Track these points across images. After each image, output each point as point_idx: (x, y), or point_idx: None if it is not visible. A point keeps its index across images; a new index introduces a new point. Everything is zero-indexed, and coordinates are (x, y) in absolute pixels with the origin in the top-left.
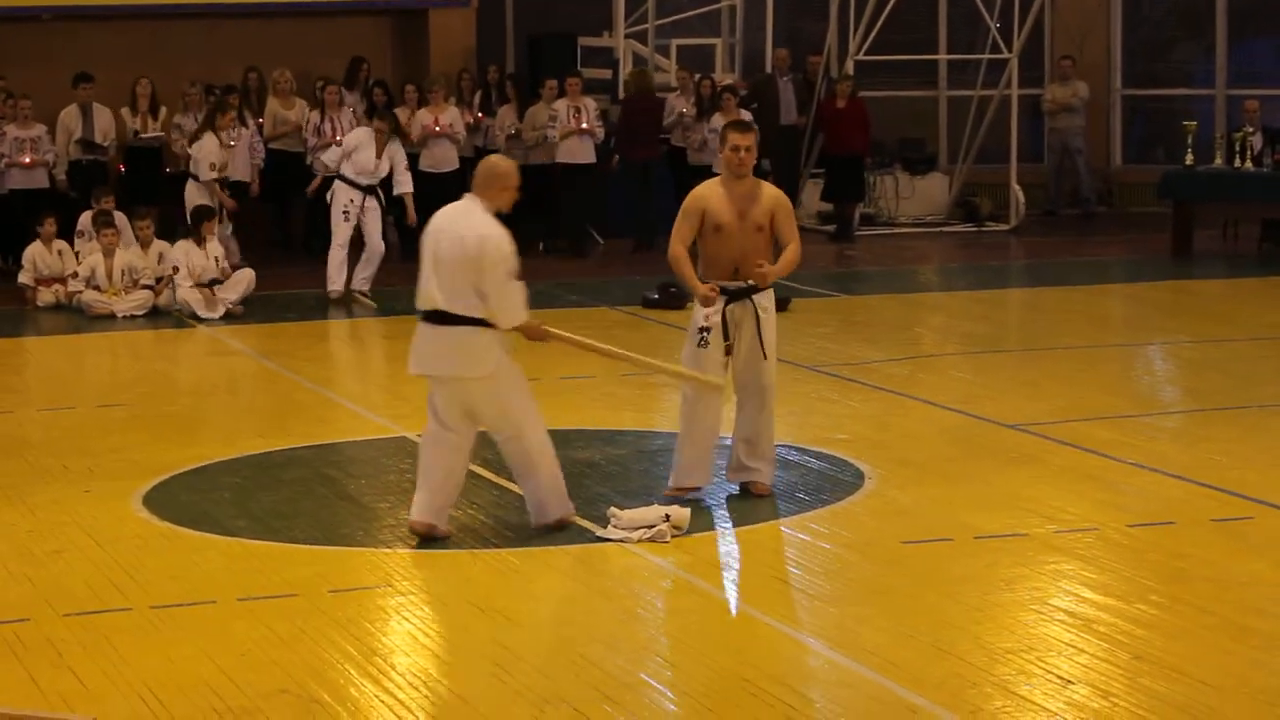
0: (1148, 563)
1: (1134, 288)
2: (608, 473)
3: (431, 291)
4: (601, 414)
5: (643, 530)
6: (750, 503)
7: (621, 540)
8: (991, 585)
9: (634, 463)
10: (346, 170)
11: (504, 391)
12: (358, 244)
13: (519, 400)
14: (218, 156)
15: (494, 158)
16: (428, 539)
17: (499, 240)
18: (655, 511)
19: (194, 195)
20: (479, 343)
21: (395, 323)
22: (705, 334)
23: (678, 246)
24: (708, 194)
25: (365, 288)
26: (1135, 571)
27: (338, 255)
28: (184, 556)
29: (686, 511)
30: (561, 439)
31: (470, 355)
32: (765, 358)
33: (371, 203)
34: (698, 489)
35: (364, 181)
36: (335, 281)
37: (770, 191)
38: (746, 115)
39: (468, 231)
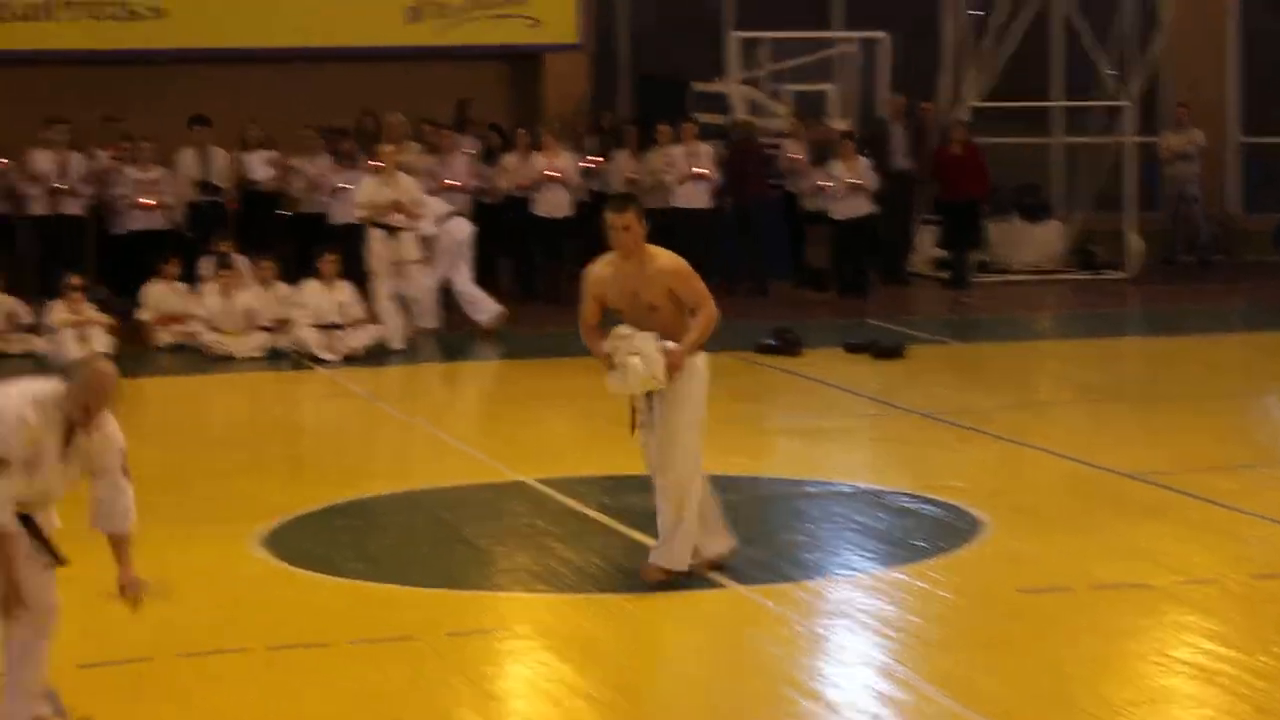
0: (1270, 614)
1: (1252, 336)
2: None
3: None
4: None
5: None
6: (868, 550)
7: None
8: (1111, 636)
9: (749, 508)
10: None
11: None
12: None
13: None
14: (380, 195)
15: None
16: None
17: None
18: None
19: (376, 240)
20: None
21: (509, 366)
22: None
23: (582, 324)
24: (603, 274)
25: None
26: (1257, 623)
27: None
28: (301, 598)
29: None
30: None
31: None
32: (669, 444)
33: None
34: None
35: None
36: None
37: (661, 264)
38: (864, 161)
39: None
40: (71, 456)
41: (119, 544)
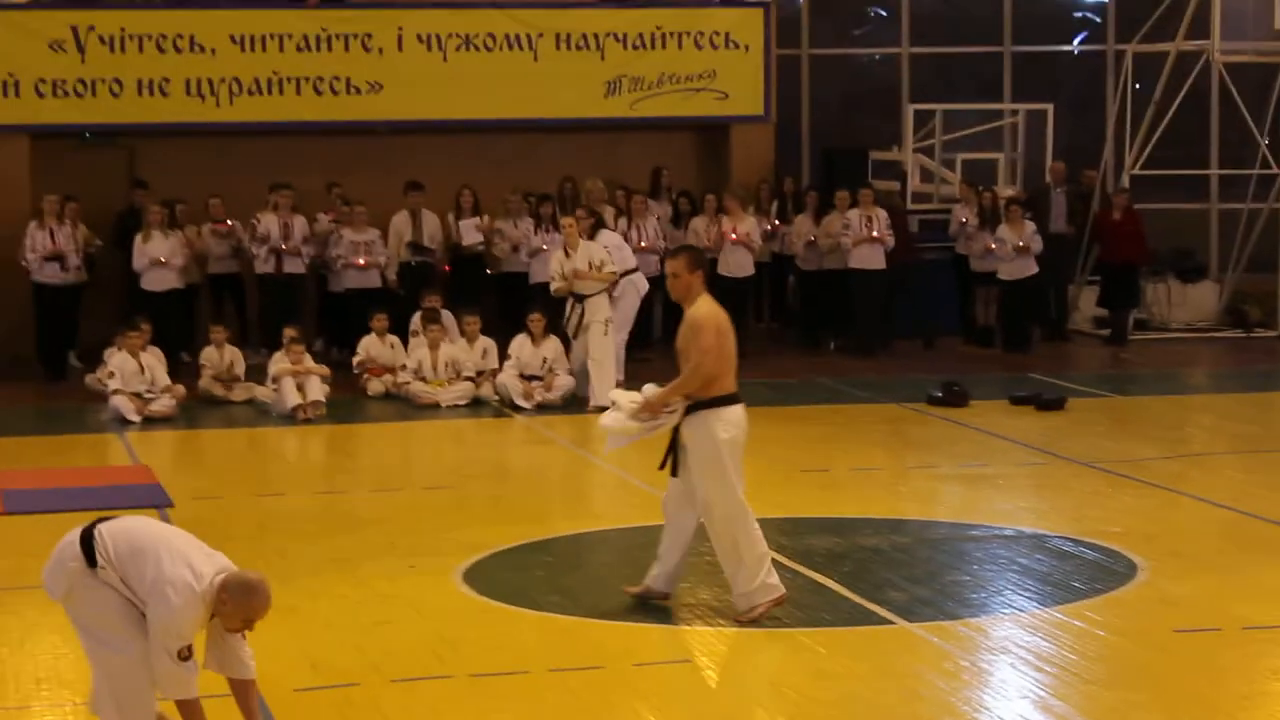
0: None
1: None
2: (893, 559)
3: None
4: (888, 504)
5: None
6: (1029, 590)
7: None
8: (1259, 675)
9: (918, 550)
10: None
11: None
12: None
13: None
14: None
15: None
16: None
17: None
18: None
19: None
20: None
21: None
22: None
23: None
24: None
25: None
26: None
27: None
28: (500, 629)
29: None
30: (849, 527)
31: None
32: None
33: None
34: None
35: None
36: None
37: (688, 315)
38: (1030, 225)
39: None
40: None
41: (244, 690)
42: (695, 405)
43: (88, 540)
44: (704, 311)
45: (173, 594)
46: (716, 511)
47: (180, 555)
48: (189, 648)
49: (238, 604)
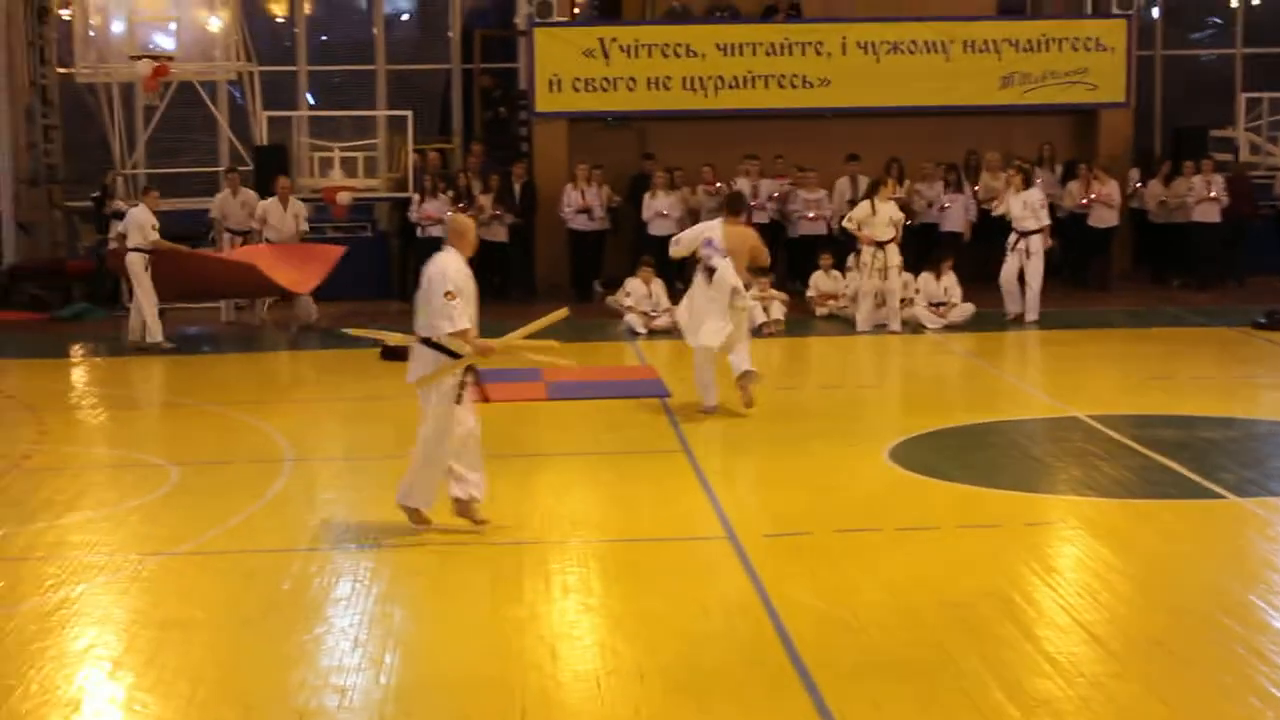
0: None
1: None
2: (1225, 448)
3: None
4: (1221, 405)
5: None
6: None
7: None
8: None
9: (1245, 441)
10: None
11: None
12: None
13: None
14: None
15: (457, 218)
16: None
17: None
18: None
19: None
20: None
21: (1063, 334)
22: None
23: None
24: None
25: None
26: None
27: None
28: (918, 494)
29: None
30: (1190, 423)
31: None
32: None
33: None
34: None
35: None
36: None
37: None
38: None
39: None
40: None
41: None
42: None
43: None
44: None
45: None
46: None
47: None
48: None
49: (462, 241)
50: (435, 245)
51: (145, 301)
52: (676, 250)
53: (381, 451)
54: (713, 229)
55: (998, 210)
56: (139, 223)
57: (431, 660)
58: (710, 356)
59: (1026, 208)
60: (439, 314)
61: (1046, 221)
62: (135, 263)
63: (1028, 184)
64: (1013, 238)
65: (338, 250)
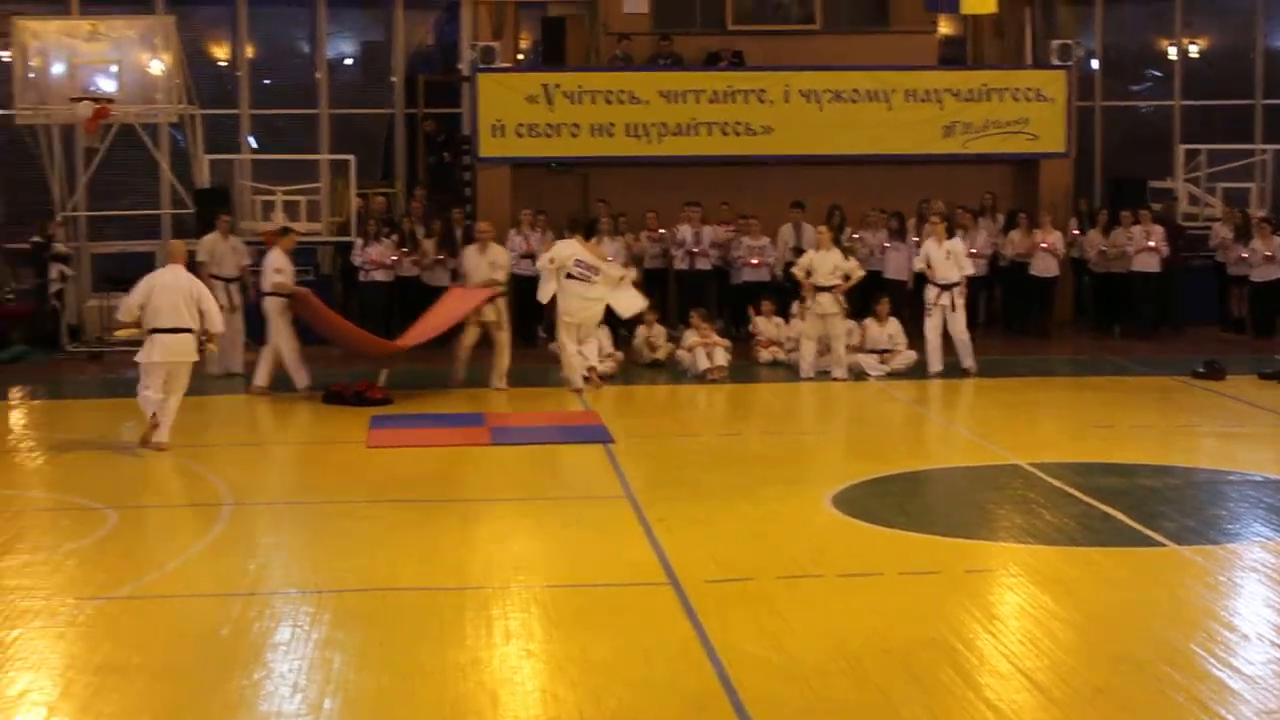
0: None
1: None
2: (1165, 496)
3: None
4: (1160, 453)
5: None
6: (1275, 524)
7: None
8: None
9: (1185, 489)
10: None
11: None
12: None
13: None
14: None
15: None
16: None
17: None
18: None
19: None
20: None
21: (1009, 383)
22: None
23: None
24: None
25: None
26: None
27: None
28: (861, 541)
29: None
30: (1130, 470)
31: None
32: None
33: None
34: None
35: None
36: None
37: None
38: (1277, 239)
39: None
40: None
41: None
42: None
43: None
44: None
45: None
46: None
47: None
48: None
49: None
50: (378, 289)
51: (283, 346)
52: (545, 292)
53: (322, 496)
54: (576, 250)
55: (918, 265)
56: (266, 266)
57: (371, 706)
58: (571, 333)
59: (951, 257)
60: None
61: (969, 271)
62: (271, 306)
63: (950, 233)
64: (933, 293)
65: (482, 293)
